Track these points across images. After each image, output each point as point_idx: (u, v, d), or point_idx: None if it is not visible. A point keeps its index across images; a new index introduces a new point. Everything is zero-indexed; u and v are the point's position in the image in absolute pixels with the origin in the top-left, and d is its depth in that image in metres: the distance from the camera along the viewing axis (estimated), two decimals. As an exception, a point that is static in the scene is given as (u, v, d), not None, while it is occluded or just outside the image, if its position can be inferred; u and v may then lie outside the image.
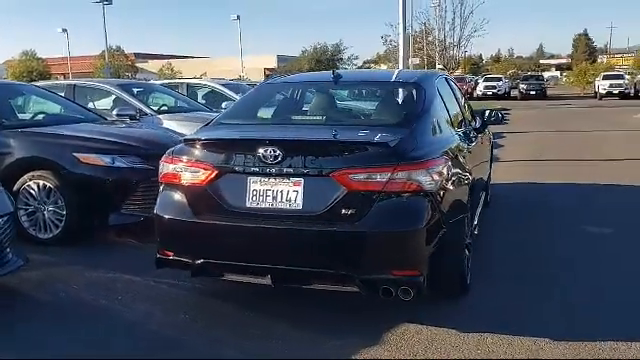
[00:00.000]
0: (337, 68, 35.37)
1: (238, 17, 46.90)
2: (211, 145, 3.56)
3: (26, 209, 5.10)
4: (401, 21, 14.22)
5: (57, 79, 28.92)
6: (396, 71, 6.76)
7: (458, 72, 37.49)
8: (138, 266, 4.33)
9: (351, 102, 7.28)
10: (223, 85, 12.24)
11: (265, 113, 4.48)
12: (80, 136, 5.49)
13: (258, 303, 3.76)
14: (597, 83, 35.33)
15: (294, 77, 5.54)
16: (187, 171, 3.52)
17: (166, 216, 3.59)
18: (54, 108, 6.88)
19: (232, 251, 3.44)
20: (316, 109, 4.33)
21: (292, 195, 3.30)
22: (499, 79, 40.13)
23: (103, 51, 44.80)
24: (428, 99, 4.00)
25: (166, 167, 3.64)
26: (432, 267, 3.29)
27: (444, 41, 32.29)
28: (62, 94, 7.68)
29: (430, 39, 34.50)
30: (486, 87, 37.22)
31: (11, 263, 3.85)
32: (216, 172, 3.43)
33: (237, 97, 10.78)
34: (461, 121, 4.77)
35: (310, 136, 3.66)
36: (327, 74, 4.61)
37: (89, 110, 6.92)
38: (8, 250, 3.85)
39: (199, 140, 3.59)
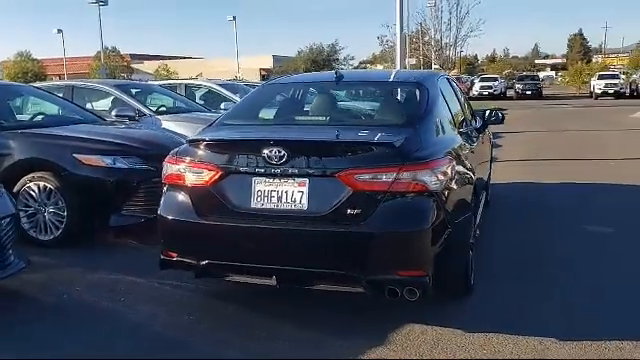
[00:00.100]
0: (333, 68, 35.37)
1: (234, 18, 46.84)
2: (215, 146, 3.55)
3: (26, 211, 5.07)
4: (398, 21, 14.25)
5: (53, 80, 28.81)
6: (397, 71, 6.75)
7: (454, 72, 37.59)
8: (140, 267, 4.33)
9: (354, 102, 7.25)
10: (220, 85, 12.22)
11: (268, 114, 4.47)
12: (80, 137, 5.46)
13: (262, 304, 3.75)
14: (593, 83, 35.49)
15: (296, 77, 5.53)
16: (191, 172, 3.50)
17: (170, 217, 3.57)
18: (53, 109, 6.86)
19: (237, 252, 3.43)
20: (319, 109, 4.31)
21: (297, 196, 3.29)
22: (495, 79, 40.26)
23: (99, 52, 44.63)
24: (431, 99, 3.99)
25: (170, 168, 3.62)
26: (437, 267, 3.28)
27: (440, 41, 32.41)
28: (60, 95, 7.64)
29: (426, 39, 34.62)
30: (482, 87, 37.22)
31: (13, 265, 3.83)
32: (220, 173, 3.42)
33: (235, 97, 10.78)
34: (463, 121, 4.77)
35: (315, 136, 3.65)
36: (329, 74, 4.60)
37: (88, 111, 6.90)
38: (10, 252, 3.82)
39: (203, 141, 3.58)
